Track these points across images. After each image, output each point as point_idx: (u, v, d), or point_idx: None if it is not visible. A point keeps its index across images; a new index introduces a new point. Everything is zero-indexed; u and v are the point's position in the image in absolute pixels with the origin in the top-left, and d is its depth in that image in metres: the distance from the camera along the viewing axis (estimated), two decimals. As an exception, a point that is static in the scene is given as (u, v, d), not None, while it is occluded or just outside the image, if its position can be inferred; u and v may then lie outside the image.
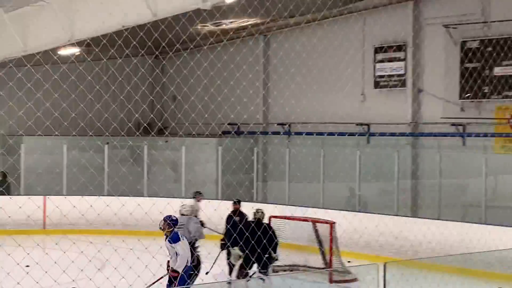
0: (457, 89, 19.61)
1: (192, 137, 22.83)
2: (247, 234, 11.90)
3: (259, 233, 11.67)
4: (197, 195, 15.49)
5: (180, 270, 10.60)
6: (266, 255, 12.11)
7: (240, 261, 12.46)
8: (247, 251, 12.19)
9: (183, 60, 19.98)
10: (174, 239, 10.79)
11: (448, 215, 18.22)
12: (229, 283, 12.84)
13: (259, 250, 11.44)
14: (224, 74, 15.73)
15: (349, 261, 15.32)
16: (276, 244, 12.57)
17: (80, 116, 19.14)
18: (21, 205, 15.57)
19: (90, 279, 8.59)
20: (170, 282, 10.71)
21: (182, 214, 13.01)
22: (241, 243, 12.33)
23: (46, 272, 7.94)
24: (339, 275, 14.07)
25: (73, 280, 8.72)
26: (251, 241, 11.70)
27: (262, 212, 12.97)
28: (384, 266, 6.69)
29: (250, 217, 13.29)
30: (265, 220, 13.96)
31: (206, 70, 16.76)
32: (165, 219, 10.97)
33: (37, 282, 7.76)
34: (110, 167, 21.84)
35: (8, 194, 20.14)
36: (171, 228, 10.89)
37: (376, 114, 21.53)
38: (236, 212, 14.09)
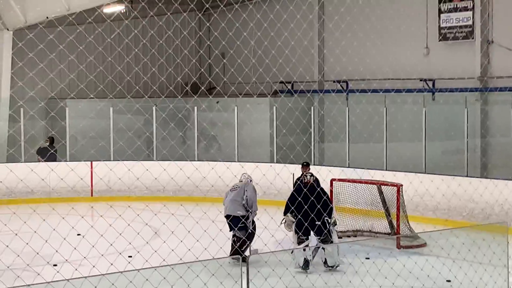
0: (530, 39, 19.20)
1: (244, 96, 22.88)
2: (299, 199, 11.88)
3: (312, 198, 11.60)
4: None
5: None
6: (318, 223, 12.06)
7: (293, 227, 12.50)
8: (299, 217, 12.21)
9: (230, 16, 19.95)
10: None
11: (521, 175, 17.95)
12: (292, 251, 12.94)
13: (312, 216, 11.43)
14: (277, 30, 15.60)
15: None
16: (331, 209, 12.54)
17: (124, 77, 19.32)
18: (68, 172, 15.92)
19: (147, 242, 8.70)
20: None
21: (240, 181, 13.25)
22: (292, 208, 12.37)
23: (113, 242, 8.08)
24: (407, 240, 14.04)
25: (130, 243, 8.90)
26: (303, 206, 11.68)
27: (311, 175, 12.89)
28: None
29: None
30: (326, 183, 14.01)
31: (256, 25, 16.63)
32: None
33: (93, 246, 7.89)
34: (156, 130, 22.05)
35: (55, 160, 20.52)
36: None
37: (442, 69, 21.19)
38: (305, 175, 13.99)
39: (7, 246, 8.14)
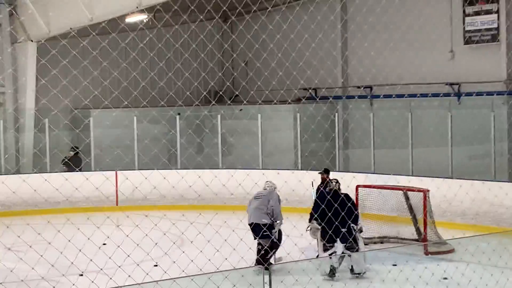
0: (557, 40, 18.70)
1: (268, 103, 22.55)
2: (322, 206, 11.51)
3: (335, 205, 11.24)
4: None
5: None
6: (343, 230, 11.67)
7: (318, 235, 12.12)
8: (323, 224, 11.83)
9: (253, 24, 19.71)
10: None
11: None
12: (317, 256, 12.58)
13: (336, 223, 11.05)
14: (299, 35, 15.23)
15: None
16: (357, 216, 12.13)
17: (148, 86, 19.04)
18: (93, 182, 15.68)
19: (165, 253, 8.39)
20: None
21: (265, 189, 12.91)
22: (315, 215, 11.97)
23: (133, 254, 7.76)
24: (434, 246, 13.59)
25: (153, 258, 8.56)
26: (327, 214, 11.30)
27: (337, 182, 12.51)
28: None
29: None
30: (351, 189, 13.67)
31: (277, 29, 16.31)
32: None
33: (109, 257, 7.57)
34: (181, 138, 21.81)
35: (80, 170, 20.29)
36: None
37: (467, 72, 20.72)
38: (325, 182, 13.68)
39: (21, 258, 7.86)
